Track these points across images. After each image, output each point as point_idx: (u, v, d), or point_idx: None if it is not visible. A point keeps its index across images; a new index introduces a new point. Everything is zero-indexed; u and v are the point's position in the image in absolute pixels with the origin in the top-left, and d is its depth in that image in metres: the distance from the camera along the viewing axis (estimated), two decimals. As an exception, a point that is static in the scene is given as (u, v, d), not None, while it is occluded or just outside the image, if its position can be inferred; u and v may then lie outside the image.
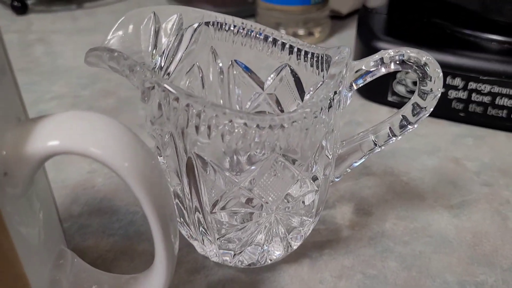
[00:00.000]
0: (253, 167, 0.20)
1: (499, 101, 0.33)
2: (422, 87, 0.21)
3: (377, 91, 0.37)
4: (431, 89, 0.21)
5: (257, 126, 0.18)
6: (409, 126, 0.22)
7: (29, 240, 0.17)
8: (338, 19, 0.53)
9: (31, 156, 0.15)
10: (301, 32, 0.47)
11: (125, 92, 0.41)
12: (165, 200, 0.17)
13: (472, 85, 0.33)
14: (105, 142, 0.15)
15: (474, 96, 0.34)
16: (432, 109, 0.22)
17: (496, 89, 0.33)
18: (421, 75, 0.21)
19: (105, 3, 0.61)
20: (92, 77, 0.43)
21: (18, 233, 0.16)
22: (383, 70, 0.21)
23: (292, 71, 0.25)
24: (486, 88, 0.33)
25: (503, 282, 0.24)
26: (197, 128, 0.19)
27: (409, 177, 0.31)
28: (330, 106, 0.20)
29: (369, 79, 0.21)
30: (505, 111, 0.33)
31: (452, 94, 0.34)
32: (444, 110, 0.35)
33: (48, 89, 0.41)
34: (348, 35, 0.50)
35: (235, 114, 0.18)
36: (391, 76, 0.36)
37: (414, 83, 0.35)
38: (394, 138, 0.23)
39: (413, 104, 0.22)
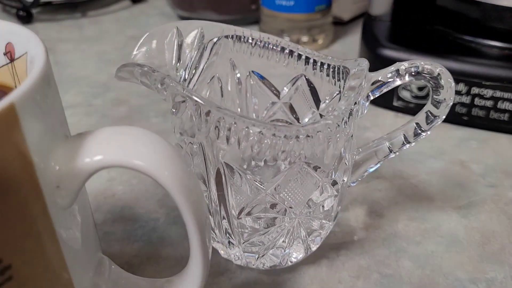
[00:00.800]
0: (278, 175, 0.21)
1: (501, 105, 0.34)
2: (435, 96, 0.22)
3: (383, 96, 0.38)
4: (444, 98, 0.22)
5: (285, 136, 0.20)
6: (423, 134, 0.23)
7: (74, 248, 0.18)
8: (340, 25, 0.54)
9: (81, 171, 0.16)
10: (304, 39, 0.48)
11: (137, 101, 0.42)
12: (201, 205, 0.18)
13: (475, 90, 0.35)
14: (147, 154, 0.16)
15: (477, 101, 0.35)
16: (444, 117, 0.23)
17: (498, 93, 0.34)
18: (434, 85, 0.22)
19: (109, 11, 0.62)
20: (103, 86, 0.44)
21: (65, 242, 0.17)
22: (398, 82, 0.22)
23: (307, 81, 0.26)
24: (489, 93, 0.34)
25: (512, 278, 0.25)
26: (227, 139, 0.20)
27: (418, 180, 0.32)
28: (350, 116, 0.21)
29: (385, 89, 0.23)
30: (507, 115, 0.35)
31: (456, 99, 0.35)
32: (448, 114, 0.36)
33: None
34: (351, 41, 0.51)
35: (264, 126, 0.19)
36: (397, 82, 0.37)
37: (419, 89, 0.36)
38: (408, 145, 0.24)
39: (426, 112, 0.23)
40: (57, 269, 0.17)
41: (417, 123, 0.23)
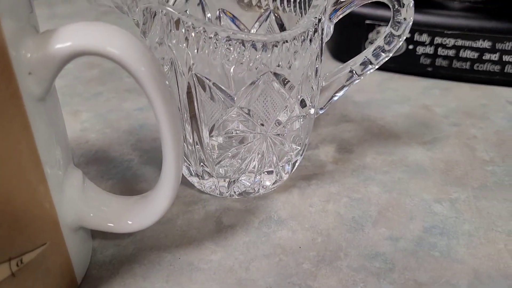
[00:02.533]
0: (248, 87, 0.22)
1: (463, 53, 0.36)
2: (396, 17, 0.24)
3: (350, 52, 0.39)
4: (404, 18, 0.23)
5: (253, 45, 0.20)
6: (383, 54, 0.24)
7: (48, 147, 0.18)
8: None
9: (53, 56, 0.17)
10: None
11: (109, 64, 0.42)
12: (175, 110, 0.19)
13: (437, 40, 0.36)
14: (122, 45, 0.17)
15: (440, 51, 0.36)
16: (404, 38, 0.24)
17: (459, 42, 0.36)
18: (395, 3, 0.23)
19: (81, -9, 0.62)
20: (75, 52, 0.44)
21: (39, 136, 0.17)
22: (359, 1, 0.23)
23: (276, 18, 0.27)
24: (451, 42, 0.36)
25: (474, 197, 0.26)
26: (197, 46, 0.20)
27: (385, 121, 0.33)
28: (315, 31, 0.22)
29: (347, 10, 0.24)
30: (468, 63, 0.36)
31: (420, 50, 0.37)
32: (413, 66, 0.38)
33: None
34: None
35: (232, 31, 0.20)
36: (363, 36, 0.38)
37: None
38: (371, 67, 0.25)
39: (387, 34, 0.24)
40: (30, 161, 0.17)
41: (378, 46, 0.24)
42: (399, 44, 0.24)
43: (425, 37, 0.36)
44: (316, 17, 0.22)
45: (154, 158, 0.30)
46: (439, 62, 0.37)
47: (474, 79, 0.37)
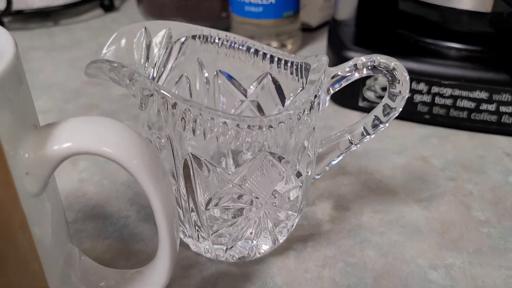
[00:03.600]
0: (244, 165, 0.22)
1: (460, 103, 0.36)
2: (391, 90, 0.24)
3: (349, 97, 0.39)
4: (400, 91, 0.24)
5: (248, 127, 0.20)
6: (381, 125, 0.25)
7: (44, 237, 0.18)
8: (308, 31, 0.56)
9: (49, 158, 0.17)
10: (274, 44, 0.50)
11: (109, 105, 0.42)
12: (169, 195, 0.19)
13: (435, 89, 0.36)
14: (116, 141, 0.17)
15: (437, 99, 0.37)
16: (400, 109, 0.24)
17: (456, 92, 0.36)
18: (390, 78, 0.23)
19: (81, 19, 0.62)
20: (75, 92, 0.44)
21: (36, 230, 0.18)
22: (356, 75, 0.23)
23: (273, 79, 0.27)
24: (448, 91, 0.36)
25: (469, 263, 0.26)
26: (193, 130, 0.21)
27: (382, 174, 0.33)
28: (311, 108, 0.22)
29: (344, 83, 0.24)
30: (465, 112, 0.36)
31: (417, 98, 0.37)
32: (410, 113, 0.38)
33: (32, 103, 0.42)
34: (319, 46, 0.52)
35: (228, 116, 0.20)
36: (361, 83, 0.38)
37: (383, 89, 0.38)
38: (368, 137, 0.25)
39: (383, 105, 0.24)
40: (27, 259, 0.18)
41: (375, 116, 0.25)
42: (394, 115, 0.24)
43: (422, 86, 0.36)
44: (312, 96, 0.22)
45: (151, 214, 0.29)
46: (436, 110, 0.37)
47: (471, 128, 0.37)
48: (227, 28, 0.54)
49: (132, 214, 0.30)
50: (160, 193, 0.18)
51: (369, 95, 0.39)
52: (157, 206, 0.18)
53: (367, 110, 0.39)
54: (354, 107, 0.40)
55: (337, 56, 0.40)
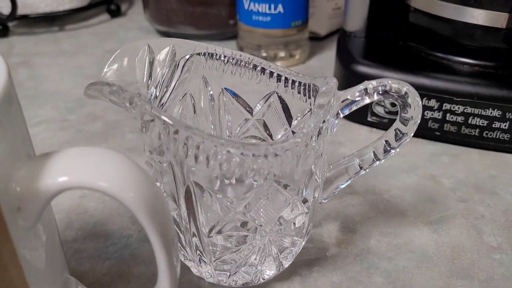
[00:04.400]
0: (248, 193, 0.21)
1: (472, 120, 0.35)
2: (403, 114, 0.23)
3: (357, 112, 0.38)
4: (412, 116, 0.23)
5: (253, 155, 0.20)
6: (392, 151, 0.24)
7: (37, 269, 0.18)
8: (316, 40, 0.55)
9: (43, 192, 0.16)
10: (282, 54, 0.49)
11: (112, 116, 0.41)
12: (168, 226, 0.18)
13: (446, 106, 0.35)
14: (111, 175, 0.16)
15: (449, 116, 0.36)
16: (412, 134, 0.23)
17: (468, 109, 0.35)
18: (402, 103, 0.22)
19: (87, 25, 0.62)
20: (78, 101, 0.43)
21: (28, 263, 0.17)
22: (367, 100, 0.23)
23: (280, 98, 0.27)
24: (460, 108, 0.35)
25: (481, 293, 0.25)
26: (196, 158, 0.20)
27: (390, 195, 0.32)
28: (319, 134, 0.21)
29: (354, 107, 0.23)
30: (477, 130, 0.35)
31: (428, 114, 0.36)
32: (420, 129, 0.36)
33: (34, 113, 0.41)
34: (327, 56, 0.51)
35: (232, 145, 0.19)
36: (370, 97, 0.37)
37: (392, 104, 0.37)
38: (377, 162, 0.24)
39: (395, 130, 0.23)
40: (19, 292, 0.17)
41: (386, 141, 0.24)
42: (406, 141, 0.23)
43: (433, 103, 0.35)
44: (321, 121, 0.21)
45: (153, 234, 0.29)
46: (447, 127, 0.36)
47: (483, 146, 0.36)
48: (233, 36, 0.54)
49: (134, 233, 0.29)
50: (158, 227, 0.17)
51: (378, 110, 0.38)
52: (155, 240, 0.18)
53: (376, 125, 0.38)
54: (363, 122, 0.39)
55: (346, 69, 0.39)
